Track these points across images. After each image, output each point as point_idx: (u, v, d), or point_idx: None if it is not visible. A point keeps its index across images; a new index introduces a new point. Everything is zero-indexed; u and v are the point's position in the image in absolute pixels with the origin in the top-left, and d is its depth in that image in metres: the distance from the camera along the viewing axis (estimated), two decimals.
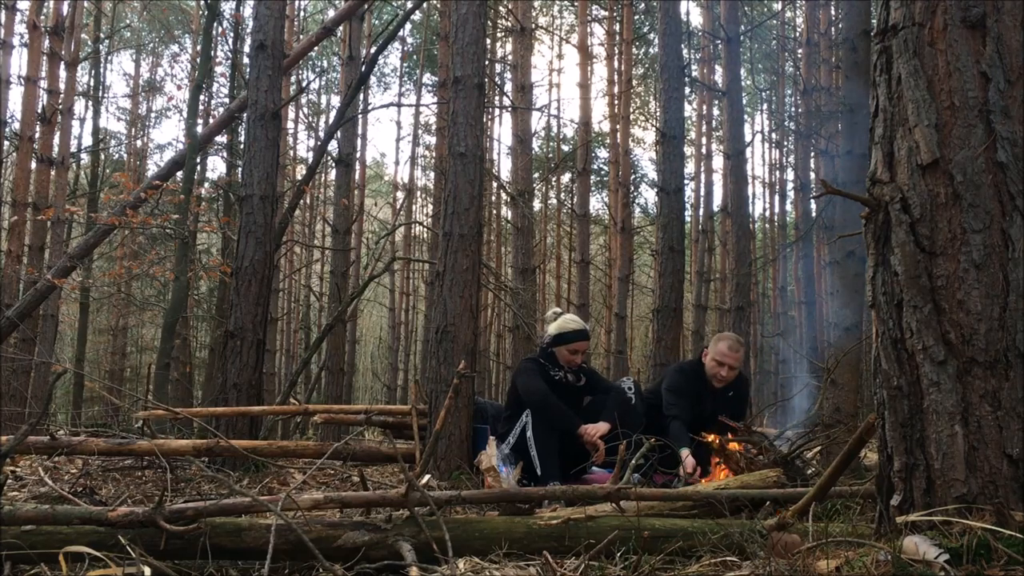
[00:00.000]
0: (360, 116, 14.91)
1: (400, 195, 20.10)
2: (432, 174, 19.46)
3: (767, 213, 21.80)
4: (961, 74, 1.95)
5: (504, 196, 15.75)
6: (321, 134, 18.27)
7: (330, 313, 13.16)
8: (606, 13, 17.89)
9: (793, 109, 18.51)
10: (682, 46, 8.40)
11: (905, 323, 1.94)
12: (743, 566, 2.03)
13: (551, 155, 19.55)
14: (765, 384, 16.33)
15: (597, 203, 22.25)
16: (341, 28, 11.85)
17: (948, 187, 1.93)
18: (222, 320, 9.80)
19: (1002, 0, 1.98)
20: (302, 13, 17.78)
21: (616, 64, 17.66)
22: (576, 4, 16.94)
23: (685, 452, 4.02)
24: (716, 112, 17.40)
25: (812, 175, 15.17)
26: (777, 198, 20.33)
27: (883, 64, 2.09)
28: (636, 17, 17.48)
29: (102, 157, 15.72)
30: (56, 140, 10.69)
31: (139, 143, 20.50)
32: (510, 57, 13.80)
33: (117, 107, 20.59)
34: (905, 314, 1.94)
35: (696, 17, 19.41)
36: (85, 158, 15.37)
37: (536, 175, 16.28)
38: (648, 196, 23.94)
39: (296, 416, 6.51)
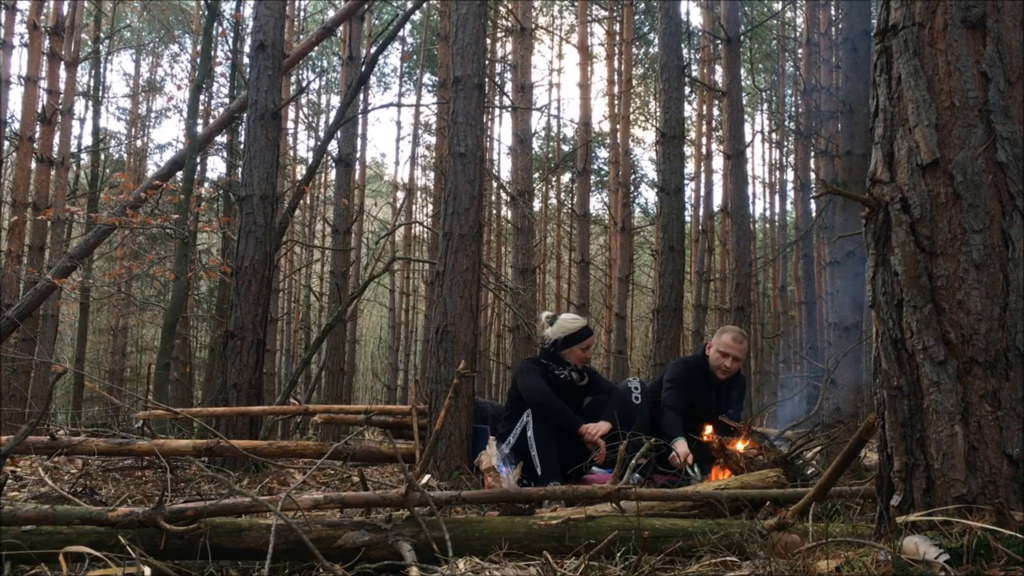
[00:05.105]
0: (360, 116, 14.90)
1: (400, 195, 20.10)
2: (432, 174, 19.47)
3: (767, 213, 21.83)
4: (961, 74, 1.95)
5: (504, 196, 15.75)
6: (321, 134, 18.29)
7: (330, 313, 13.16)
8: (606, 13, 17.90)
9: (793, 109, 18.51)
10: (682, 46, 8.38)
11: (905, 323, 1.94)
12: (743, 566, 2.03)
13: (551, 155, 19.55)
14: (765, 384, 16.32)
15: (597, 203, 22.28)
16: (341, 28, 11.85)
17: (948, 187, 1.93)
18: (222, 320, 9.80)
19: (1002, 0, 1.98)
20: (302, 13, 17.79)
21: (616, 64, 17.67)
22: (576, 4, 16.93)
23: (679, 442, 4.02)
24: (716, 112, 17.39)
25: (812, 175, 15.16)
26: (777, 198, 20.34)
27: (883, 64, 2.09)
28: (636, 17, 17.49)
29: (102, 157, 15.73)
30: (56, 140, 10.69)
31: (139, 143, 20.51)
32: (510, 57, 13.79)
33: (117, 107, 20.62)
34: (905, 314, 1.94)
35: (696, 17, 19.42)
36: (85, 158, 15.38)
37: (536, 175, 16.28)
38: (648, 196, 23.97)
39: (296, 416, 6.51)
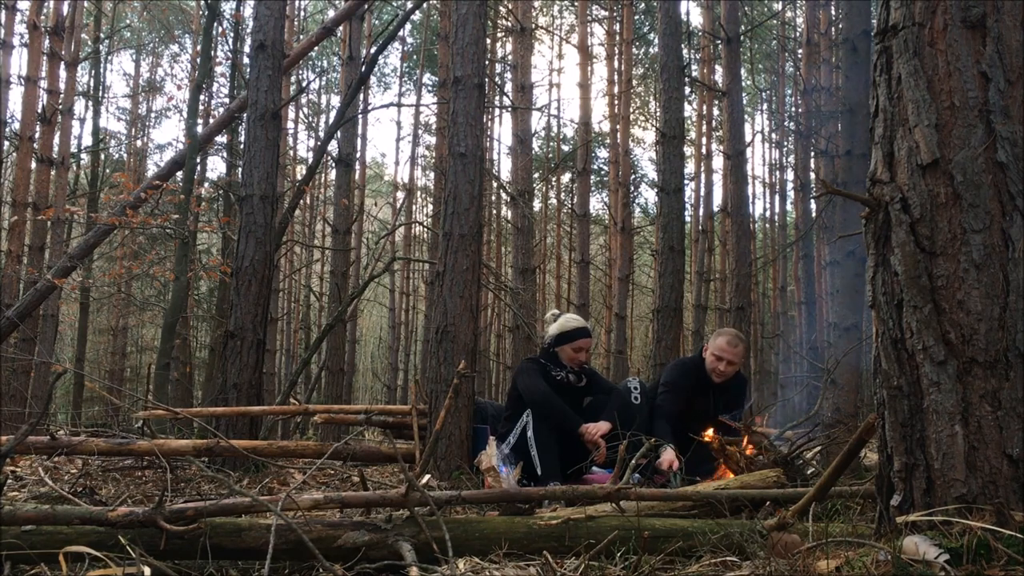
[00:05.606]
0: (360, 116, 14.90)
1: (400, 195, 20.11)
2: (432, 174, 19.47)
3: (767, 213, 21.83)
4: (961, 74, 1.95)
5: (504, 196, 15.75)
6: (321, 134, 18.29)
7: (330, 313, 13.16)
8: (606, 13, 17.91)
9: (793, 109, 18.51)
10: (682, 46, 8.39)
11: (905, 323, 1.94)
12: (743, 566, 2.03)
13: (551, 155, 19.56)
14: (765, 384, 16.32)
15: (597, 203, 22.30)
16: (341, 28, 11.86)
17: (948, 187, 1.93)
18: (222, 320, 9.80)
19: (1002, 0, 1.98)
20: (302, 13, 17.79)
21: (616, 64, 17.68)
22: (576, 4, 16.94)
23: (666, 450, 3.99)
24: (716, 112, 17.39)
25: (812, 175, 15.16)
26: (777, 198, 20.34)
27: (883, 64, 2.09)
28: (636, 17, 17.50)
29: (102, 157, 15.74)
30: (56, 140, 10.69)
31: (139, 143, 20.51)
32: (510, 57, 13.79)
33: (117, 107, 20.64)
34: (905, 314, 1.94)
35: (696, 17, 19.44)
36: (85, 158, 15.39)
37: (536, 175, 16.29)
38: (648, 196, 23.99)
39: (296, 416, 6.51)
